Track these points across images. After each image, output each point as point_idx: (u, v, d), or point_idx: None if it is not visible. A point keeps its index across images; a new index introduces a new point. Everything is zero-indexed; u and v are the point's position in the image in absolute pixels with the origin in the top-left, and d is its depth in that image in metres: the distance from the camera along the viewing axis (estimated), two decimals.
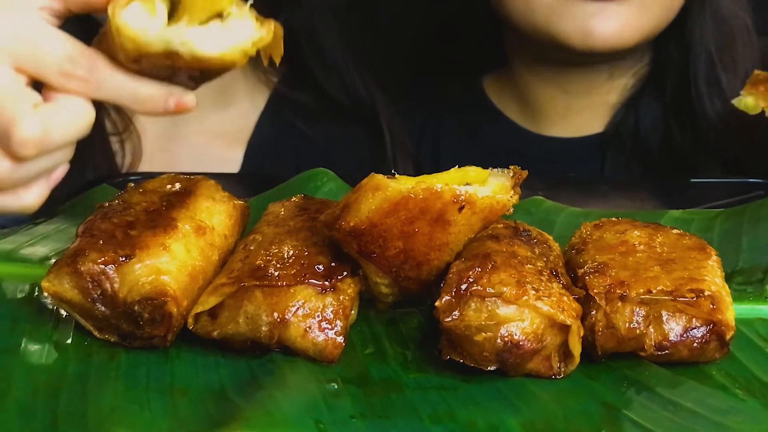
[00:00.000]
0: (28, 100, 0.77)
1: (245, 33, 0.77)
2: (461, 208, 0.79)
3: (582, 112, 1.62)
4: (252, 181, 1.32)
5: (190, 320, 0.81)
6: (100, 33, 0.79)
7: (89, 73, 0.78)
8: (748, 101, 1.42)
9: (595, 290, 0.81)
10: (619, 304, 0.80)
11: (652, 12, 1.44)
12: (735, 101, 1.37)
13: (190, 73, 0.79)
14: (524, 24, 1.49)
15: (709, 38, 1.47)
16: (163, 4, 0.76)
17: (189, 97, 0.82)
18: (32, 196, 0.81)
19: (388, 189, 0.78)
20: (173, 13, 0.76)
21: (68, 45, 0.79)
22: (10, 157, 0.77)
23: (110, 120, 1.42)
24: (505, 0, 1.50)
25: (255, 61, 0.81)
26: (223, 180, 0.98)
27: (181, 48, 0.75)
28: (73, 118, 0.78)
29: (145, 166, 1.42)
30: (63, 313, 0.87)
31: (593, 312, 0.81)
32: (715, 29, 1.48)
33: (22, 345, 0.83)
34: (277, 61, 0.80)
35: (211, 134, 1.51)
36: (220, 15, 0.76)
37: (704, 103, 1.47)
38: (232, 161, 1.51)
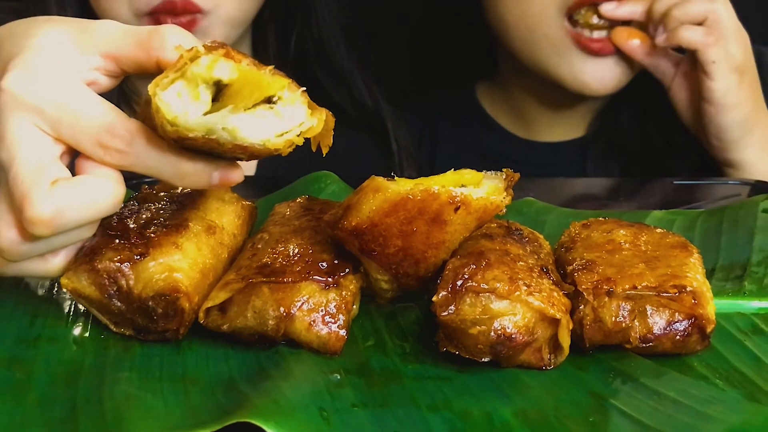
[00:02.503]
0: (47, 176, 0.73)
1: (293, 121, 0.73)
2: (457, 209, 0.78)
3: (567, 120, 1.66)
4: (259, 184, 1.31)
5: (201, 315, 0.81)
6: (146, 98, 0.72)
7: (127, 146, 0.74)
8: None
9: (583, 286, 0.81)
10: (606, 299, 0.80)
11: None
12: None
13: (234, 154, 0.75)
14: (525, 56, 1.52)
15: None
16: (208, 89, 0.70)
17: (236, 173, 0.78)
18: (59, 260, 0.80)
19: (388, 191, 0.78)
20: (220, 95, 0.71)
21: (108, 115, 0.75)
22: (23, 233, 0.74)
23: None
24: (509, 32, 1.52)
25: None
26: None
27: (223, 134, 0.70)
28: (93, 199, 0.74)
29: None
30: (81, 308, 0.88)
31: (581, 306, 0.81)
32: None
33: (42, 338, 0.83)
34: (325, 151, 0.76)
35: None
36: (269, 99, 0.72)
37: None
38: (246, 170, 1.51)
